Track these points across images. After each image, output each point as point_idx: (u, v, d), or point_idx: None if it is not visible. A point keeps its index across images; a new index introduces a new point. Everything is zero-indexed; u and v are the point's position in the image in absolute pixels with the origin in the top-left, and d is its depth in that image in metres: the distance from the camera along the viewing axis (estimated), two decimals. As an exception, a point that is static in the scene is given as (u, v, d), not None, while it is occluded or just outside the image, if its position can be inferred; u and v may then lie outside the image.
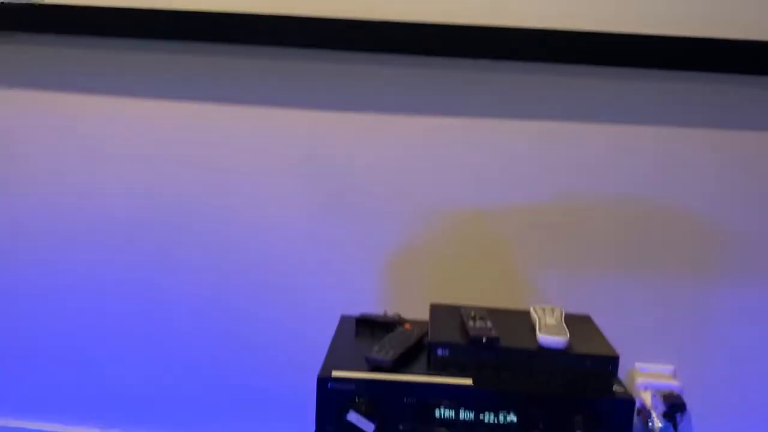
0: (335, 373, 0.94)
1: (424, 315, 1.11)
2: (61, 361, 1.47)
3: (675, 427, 1.29)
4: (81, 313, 1.44)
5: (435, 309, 1.12)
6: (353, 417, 0.91)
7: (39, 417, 1.48)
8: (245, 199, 1.38)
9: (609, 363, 0.95)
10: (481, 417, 0.93)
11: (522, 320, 1.09)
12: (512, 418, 0.93)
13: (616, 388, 0.94)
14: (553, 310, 1.06)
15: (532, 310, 1.08)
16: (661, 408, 1.30)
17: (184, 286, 1.42)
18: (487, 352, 0.95)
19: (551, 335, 0.97)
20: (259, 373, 1.43)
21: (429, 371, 0.95)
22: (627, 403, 0.91)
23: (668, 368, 1.34)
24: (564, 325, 1.01)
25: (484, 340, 0.96)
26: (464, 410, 0.92)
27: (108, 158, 1.39)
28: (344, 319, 1.17)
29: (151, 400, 1.47)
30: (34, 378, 1.48)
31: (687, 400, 1.30)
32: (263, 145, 1.36)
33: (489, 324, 1.01)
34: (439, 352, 0.97)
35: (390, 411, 0.92)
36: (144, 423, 1.47)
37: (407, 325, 1.09)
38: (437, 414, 0.93)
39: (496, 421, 0.92)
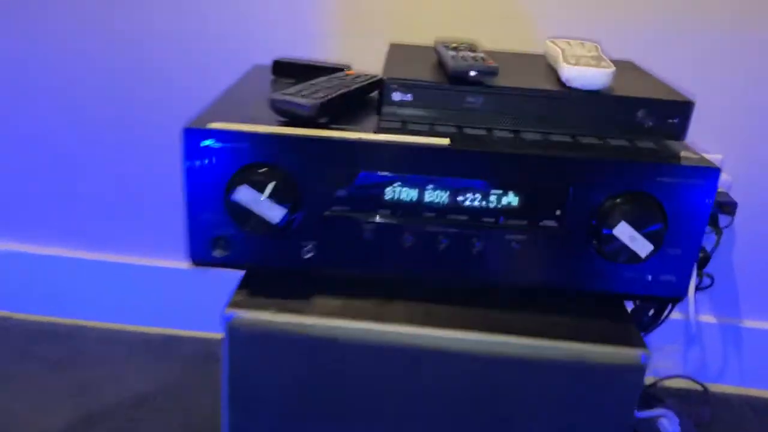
0: (214, 125, 0.55)
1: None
2: None
3: (718, 232, 0.95)
4: None
5: (396, 49, 0.72)
6: (244, 194, 0.54)
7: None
8: None
9: (679, 112, 0.58)
10: (461, 199, 0.56)
11: (535, 61, 0.70)
12: (511, 200, 0.57)
13: (684, 153, 0.58)
14: (583, 44, 0.67)
15: (548, 43, 0.68)
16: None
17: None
18: (477, 95, 0.57)
19: (584, 67, 0.58)
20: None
21: (379, 128, 0.58)
22: (710, 173, 0.55)
23: (717, 158, 0.98)
24: (603, 56, 0.62)
25: (472, 75, 0.57)
26: (434, 188, 0.56)
27: None
28: (258, 69, 0.77)
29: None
30: None
31: (737, 197, 0.96)
32: None
33: (481, 55, 0.61)
34: (396, 96, 0.58)
35: (310, 189, 0.56)
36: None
37: (350, 71, 0.70)
38: (389, 195, 0.57)
39: (484, 205, 0.56)
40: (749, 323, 1.08)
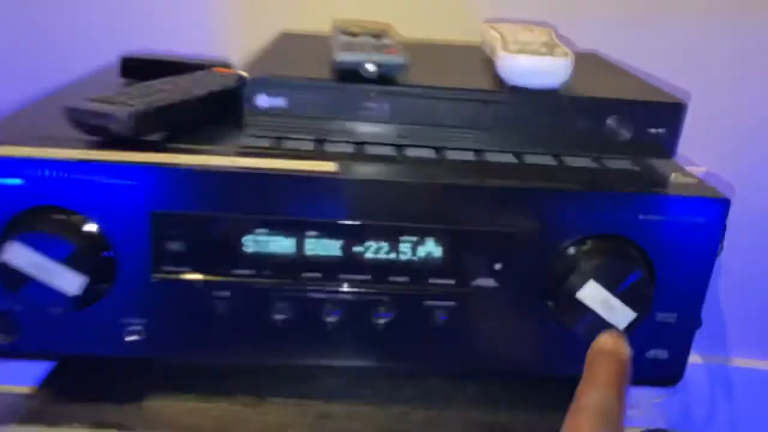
0: (-29, 149, 0.37)
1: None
2: None
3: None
4: None
5: (284, 38, 0.54)
6: (22, 255, 0.36)
7: None
8: None
9: (666, 118, 0.41)
10: (358, 251, 0.39)
11: (469, 53, 0.52)
12: (431, 249, 0.39)
13: (675, 176, 0.41)
14: (531, 29, 0.49)
15: (486, 27, 0.50)
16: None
17: None
18: (379, 99, 0.39)
19: (529, 56, 0.40)
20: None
21: (240, 148, 0.40)
22: (716, 206, 0.38)
23: (699, 171, 0.82)
24: (559, 43, 0.44)
25: (368, 69, 0.39)
26: (317, 236, 0.38)
27: None
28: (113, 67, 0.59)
29: None
30: None
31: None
32: None
33: (386, 42, 0.43)
34: (262, 101, 0.40)
35: (127, 242, 0.37)
36: None
37: (223, 69, 0.51)
38: (250, 247, 0.38)
39: (392, 258, 0.39)
40: (738, 362, 0.92)
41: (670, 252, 0.38)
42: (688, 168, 0.84)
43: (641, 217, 0.37)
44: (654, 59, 0.69)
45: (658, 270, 0.38)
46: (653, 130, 0.40)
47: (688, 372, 0.93)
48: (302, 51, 0.48)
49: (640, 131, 0.40)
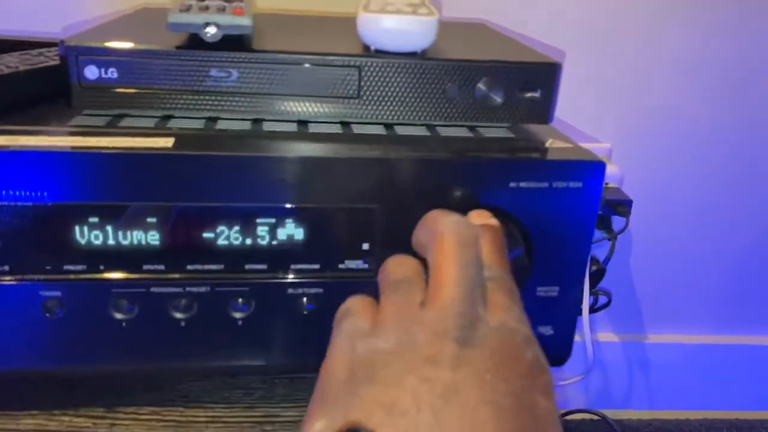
0: None
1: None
2: None
3: (612, 238, 0.78)
4: None
5: (139, 12, 0.49)
6: None
7: None
8: None
9: (541, 80, 0.38)
10: (208, 237, 0.34)
11: (346, 24, 0.49)
12: (291, 232, 0.35)
13: (551, 142, 0.38)
14: (406, -6, 0.46)
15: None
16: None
17: None
18: (225, 67, 0.35)
19: (385, 15, 0.37)
20: None
21: (67, 127, 0.35)
22: (592, 169, 0.35)
23: (604, 148, 0.82)
24: (431, 6, 0.41)
25: (208, 33, 0.35)
26: (158, 221, 0.34)
27: None
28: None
29: None
30: None
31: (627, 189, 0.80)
32: None
33: (236, 3, 0.39)
34: (91, 72, 0.35)
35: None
36: None
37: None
38: (82, 237, 0.34)
39: (248, 244, 0.34)
40: (654, 338, 0.92)
41: (546, 220, 0.35)
42: (593, 145, 0.83)
43: (512, 184, 0.34)
44: (556, 33, 0.67)
45: (535, 241, 0.35)
46: (528, 94, 0.38)
47: (606, 351, 0.93)
48: (152, 22, 0.44)
49: (513, 95, 0.37)
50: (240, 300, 0.35)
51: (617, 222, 0.76)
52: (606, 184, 0.79)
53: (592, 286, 0.75)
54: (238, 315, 0.35)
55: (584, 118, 0.77)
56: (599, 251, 0.77)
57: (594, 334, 0.90)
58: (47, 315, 0.34)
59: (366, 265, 0.36)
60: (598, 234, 0.79)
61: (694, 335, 0.92)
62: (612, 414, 0.88)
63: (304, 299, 0.36)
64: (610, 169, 0.78)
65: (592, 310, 0.75)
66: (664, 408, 0.95)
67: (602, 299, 0.77)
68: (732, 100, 0.76)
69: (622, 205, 0.75)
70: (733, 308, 0.90)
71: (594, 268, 0.75)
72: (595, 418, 0.87)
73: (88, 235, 0.33)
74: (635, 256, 0.87)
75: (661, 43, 0.72)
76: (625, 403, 0.94)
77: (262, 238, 0.35)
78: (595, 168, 0.35)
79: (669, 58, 0.73)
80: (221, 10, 0.35)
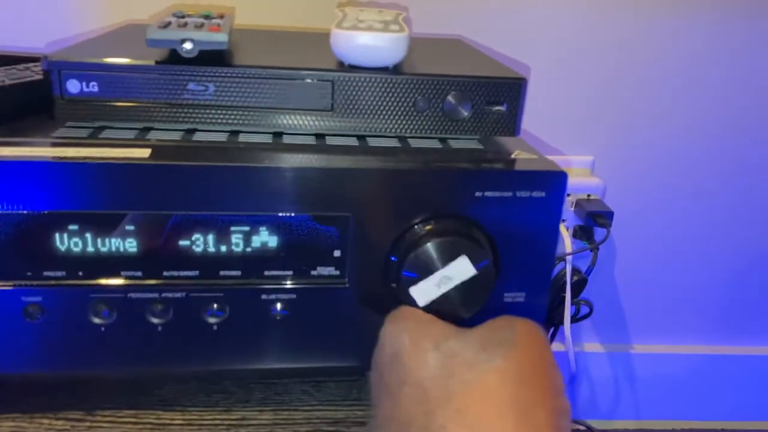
0: None
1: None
2: None
3: (594, 248, 0.79)
4: None
5: (124, 28, 0.50)
6: None
7: None
8: None
9: (506, 95, 0.39)
10: (183, 245, 0.36)
11: (320, 39, 0.50)
12: (264, 239, 0.36)
13: (517, 154, 0.40)
14: (381, 11, 0.48)
15: (336, 11, 0.49)
16: (574, 220, 0.80)
17: None
18: (202, 81, 0.37)
19: (357, 32, 0.39)
20: None
21: (51, 138, 0.36)
22: (554, 179, 0.37)
23: (587, 160, 0.83)
24: (404, 24, 0.43)
25: (187, 48, 0.36)
26: (136, 230, 0.35)
27: None
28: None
29: None
30: None
31: (609, 202, 0.81)
32: None
33: (215, 21, 0.41)
34: (73, 86, 0.37)
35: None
36: None
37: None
38: (61, 244, 0.35)
39: (221, 252, 0.35)
40: (640, 348, 0.93)
41: (511, 228, 0.36)
42: (575, 157, 0.84)
43: (478, 194, 0.35)
44: (539, 48, 0.68)
45: (501, 248, 0.36)
46: (495, 108, 0.39)
47: (591, 362, 0.94)
48: (134, 38, 0.45)
49: (480, 109, 0.39)
50: (215, 305, 0.36)
51: (599, 233, 0.77)
52: (588, 195, 0.81)
53: (574, 296, 0.76)
54: (213, 320, 0.36)
55: (567, 131, 0.79)
56: (581, 262, 0.79)
57: (580, 344, 0.91)
58: (28, 320, 0.35)
59: (337, 272, 0.37)
60: (580, 244, 0.80)
61: (679, 345, 0.93)
62: (597, 424, 0.89)
63: (278, 305, 0.37)
64: (593, 181, 0.79)
65: (574, 319, 0.76)
66: (649, 418, 0.96)
67: (584, 309, 0.78)
68: (717, 112, 0.78)
69: (603, 217, 0.77)
70: (718, 318, 0.92)
71: (575, 278, 0.77)
72: (581, 428, 0.88)
73: (68, 242, 0.35)
74: (620, 266, 0.88)
75: (645, 55, 0.74)
76: (610, 413, 0.95)
77: (237, 245, 0.36)
78: (558, 178, 0.36)
79: (652, 70, 0.75)
80: (199, 26, 0.37)
